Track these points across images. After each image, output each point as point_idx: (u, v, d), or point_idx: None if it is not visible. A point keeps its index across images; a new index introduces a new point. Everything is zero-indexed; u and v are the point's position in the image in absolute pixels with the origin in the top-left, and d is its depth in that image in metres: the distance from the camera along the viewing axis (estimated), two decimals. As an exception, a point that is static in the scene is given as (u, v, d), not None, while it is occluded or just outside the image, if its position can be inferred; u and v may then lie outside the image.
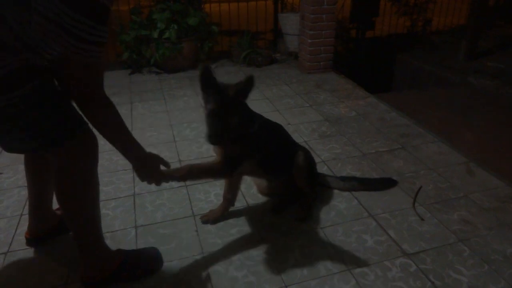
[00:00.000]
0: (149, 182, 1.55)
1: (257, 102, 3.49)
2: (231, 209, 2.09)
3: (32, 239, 1.87)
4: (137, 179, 2.38)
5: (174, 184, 2.35)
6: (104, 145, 2.85)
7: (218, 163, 1.76)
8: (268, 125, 1.95)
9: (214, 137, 1.60)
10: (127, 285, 1.68)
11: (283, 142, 2.07)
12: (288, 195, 2.16)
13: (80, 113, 1.39)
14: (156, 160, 1.54)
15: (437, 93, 4.46)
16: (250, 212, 2.10)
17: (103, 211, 2.11)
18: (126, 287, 1.67)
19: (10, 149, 1.45)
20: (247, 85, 1.59)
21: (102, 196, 2.22)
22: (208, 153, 2.69)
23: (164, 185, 2.32)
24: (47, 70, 1.30)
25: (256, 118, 1.84)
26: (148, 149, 2.71)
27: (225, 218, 2.04)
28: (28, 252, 1.86)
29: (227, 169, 1.76)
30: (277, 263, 1.78)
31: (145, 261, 1.75)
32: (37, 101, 1.28)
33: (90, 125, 1.43)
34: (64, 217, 1.57)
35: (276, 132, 2.03)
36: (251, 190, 2.28)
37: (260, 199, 2.22)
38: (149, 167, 1.51)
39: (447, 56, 5.30)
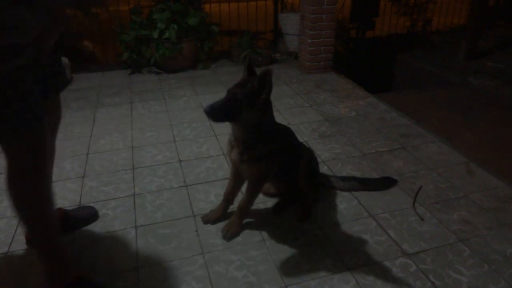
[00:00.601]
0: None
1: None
2: (231, 209, 2.09)
3: (29, 241, 1.87)
4: (137, 179, 2.40)
5: (174, 184, 2.35)
6: (104, 145, 2.87)
7: (253, 186, 1.91)
8: (286, 135, 1.98)
9: (212, 111, 1.58)
10: (129, 284, 1.68)
11: (294, 146, 2.07)
12: (288, 195, 2.16)
13: (37, 110, 1.36)
14: None
15: (437, 93, 4.46)
16: (250, 212, 2.10)
17: (103, 211, 2.12)
18: (128, 286, 1.67)
19: None
20: (261, 78, 1.61)
21: (102, 196, 2.24)
22: (208, 152, 2.69)
23: (164, 185, 2.34)
24: (25, 54, 1.25)
25: (278, 131, 1.87)
26: (148, 149, 2.75)
27: (225, 218, 2.04)
28: (28, 252, 1.85)
29: (263, 183, 1.94)
30: (277, 263, 1.78)
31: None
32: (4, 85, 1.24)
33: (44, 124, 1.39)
34: (22, 221, 1.50)
35: (291, 139, 2.04)
36: (251, 190, 2.28)
37: (261, 199, 2.22)
38: None
39: (447, 56, 5.30)
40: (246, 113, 1.63)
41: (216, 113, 1.60)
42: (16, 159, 1.39)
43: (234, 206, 2.10)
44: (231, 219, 1.98)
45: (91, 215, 2.05)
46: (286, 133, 2.02)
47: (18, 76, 1.29)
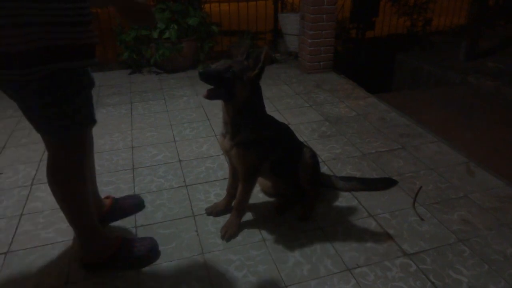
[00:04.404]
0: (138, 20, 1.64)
1: (257, 102, 3.49)
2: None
3: None
4: (137, 179, 2.40)
5: (174, 184, 2.36)
6: (104, 145, 2.87)
7: (244, 181, 1.90)
8: (279, 128, 1.98)
9: (204, 72, 1.62)
10: (129, 285, 1.68)
11: (292, 143, 2.07)
12: (290, 195, 2.16)
13: (85, 113, 1.46)
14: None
15: (437, 93, 4.46)
16: (251, 212, 2.10)
17: (103, 211, 2.12)
18: (129, 287, 1.67)
19: (41, 131, 1.49)
20: (258, 55, 1.66)
21: (102, 196, 2.23)
22: (208, 152, 2.69)
23: (164, 185, 2.34)
24: (70, 55, 1.33)
25: (271, 122, 1.89)
26: (148, 149, 2.75)
27: (228, 212, 2.04)
28: (28, 252, 1.86)
29: (254, 178, 1.93)
30: (277, 263, 1.78)
31: (141, 251, 1.77)
32: (51, 86, 1.32)
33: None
34: (59, 203, 1.61)
35: (286, 134, 2.04)
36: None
37: (262, 199, 2.22)
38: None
39: (447, 56, 5.30)
40: (238, 88, 1.66)
41: (209, 77, 1.63)
42: (61, 154, 1.51)
43: (234, 206, 2.11)
44: (229, 218, 1.98)
45: (136, 204, 2.12)
46: (282, 128, 2.02)
47: (84, 74, 1.41)
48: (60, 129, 1.42)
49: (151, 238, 1.86)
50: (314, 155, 2.08)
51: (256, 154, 1.82)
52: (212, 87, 1.66)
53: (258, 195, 2.24)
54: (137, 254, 1.76)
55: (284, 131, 2.02)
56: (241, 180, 1.91)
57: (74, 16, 1.28)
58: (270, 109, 3.38)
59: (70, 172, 1.54)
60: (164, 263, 1.79)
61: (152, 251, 1.80)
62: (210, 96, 1.66)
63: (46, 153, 1.53)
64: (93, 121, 1.53)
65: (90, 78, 1.47)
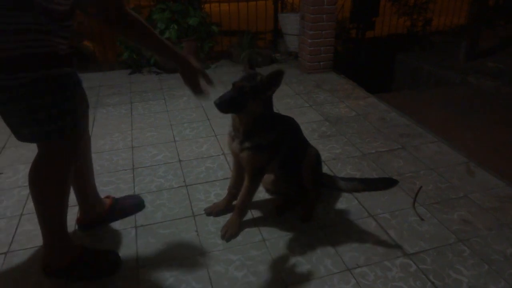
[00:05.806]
0: (191, 89, 1.73)
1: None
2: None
3: (81, 226, 1.99)
4: (137, 179, 2.40)
5: (174, 184, 2.36)
6: (104, 145, 2.87)
7: (250, 180, 1.91)
8: (285, 128, 1.98)
9: (221, 103, 1.68)
10: (129, 284, 1.68)
11: (296, 142, 2.07)
12: (293, 195, 2.16)
13: (78, 114, 1.47)
14: (194, 71, 1.69)
15: (437, 93, 4.46)
16: (251, 212, 2.10)
17: (103, 211, 2.12)
18: (129, 287, 1.67)
19: (19, 137, 1.48)
20: (273, 77, 1.68)
21: (102, 196, 2.23)
22: (208, 152, 2.69)
23: (164, 185, 2.34)
24: (66, 60, 1.37)
25: (278, 124, 1.89)
26: (148, 149, 2.75)
27: (228, 211, 2.04)
28: (28, 252, 1.85)
29: (260, 178, 1.95)
30: (277, 263, 1.78)
31: (101, 263, 1.75)
32: (46, 89, 1.33)
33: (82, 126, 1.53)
34: (33, 203, 1.59)
35: (292, 132, 2.04)
36: (251, 190, 2.27)
37: (261, 198, 2.22)
38: (187, 73, 1.68)
39: (447, 56, 5.30)
40: (251, 105, 1.70)
41: (225, 105, 1.69)
42: (51, 154, 1.50)
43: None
44: (230, 218, 1.98)
45: (136, 204, 2.13)
46: (289, 123, 2.04)
47: (67, 80, 1.42)
48: (40, 135, 1.42)
49: (114, 251, 1.82)
50: (318, 155, 2.09)
51: (263, 157, 1.84)
52: (225, 95, 1.70)
53: (258, 195, 2.23)
54: (97, 267, 1.72)
55: (290, 129, 2.02)
56: (247, 180, 1.92)
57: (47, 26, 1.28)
58: (270, 109, 3.38)
59: (49, 178, 1.53)
60: (164, 263, 1.78)
61: (112, 265, 1.75)
62: (223, 109, 1.70)
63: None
64: (76, 131, 1.51)
65: (77, 92, 1.49)
